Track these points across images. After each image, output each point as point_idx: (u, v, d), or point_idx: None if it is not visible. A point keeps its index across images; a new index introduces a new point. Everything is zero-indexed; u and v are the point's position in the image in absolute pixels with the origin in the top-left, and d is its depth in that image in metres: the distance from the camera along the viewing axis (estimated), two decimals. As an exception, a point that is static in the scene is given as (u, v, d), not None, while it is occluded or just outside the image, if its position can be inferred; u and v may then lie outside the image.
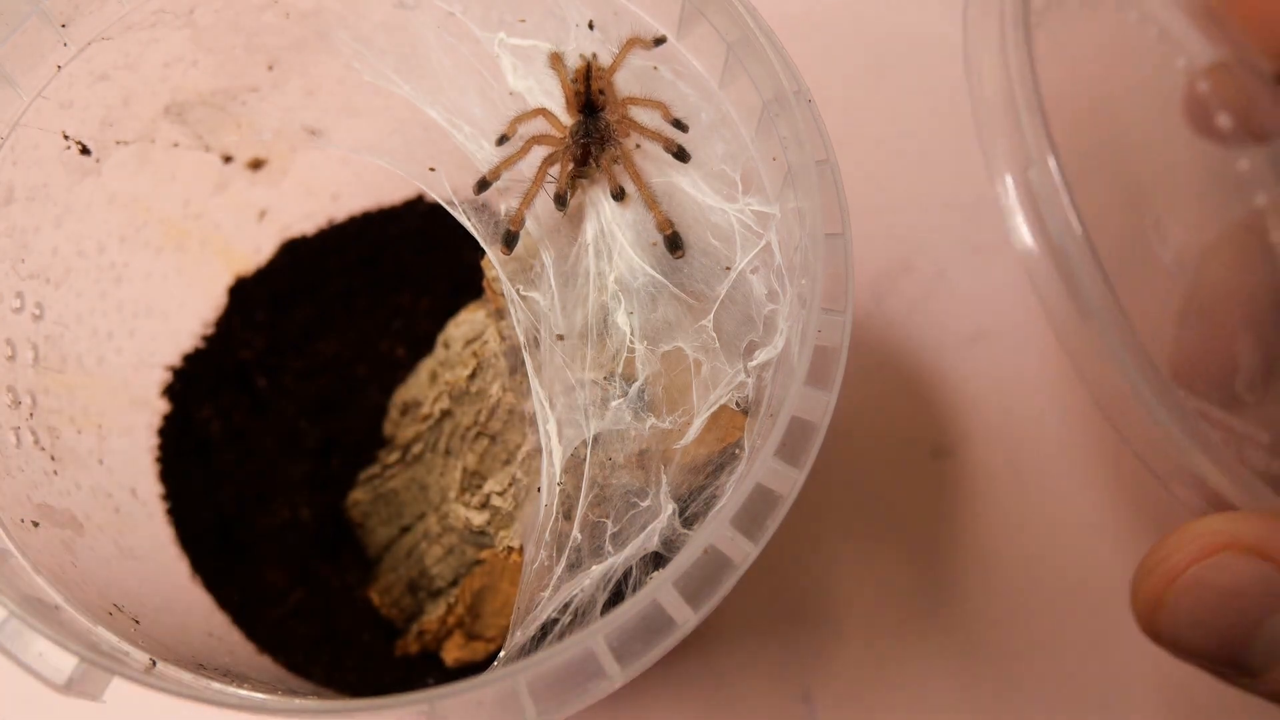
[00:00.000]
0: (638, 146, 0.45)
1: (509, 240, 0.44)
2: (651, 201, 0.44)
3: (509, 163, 0.45)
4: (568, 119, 0.46)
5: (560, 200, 0.44)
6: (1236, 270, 0.53)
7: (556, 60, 0.46)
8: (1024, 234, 0.41)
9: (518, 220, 0.44)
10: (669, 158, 0.45)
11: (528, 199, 0.44)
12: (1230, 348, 0.51)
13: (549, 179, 0.45)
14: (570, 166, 0.44)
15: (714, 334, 0.43)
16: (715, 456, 0.43)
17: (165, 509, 0.57)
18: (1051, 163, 0.40)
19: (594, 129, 0.45)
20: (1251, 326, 0.52)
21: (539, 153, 0.45)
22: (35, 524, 0.42)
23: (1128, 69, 0.55)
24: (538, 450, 0.45)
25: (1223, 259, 0.53)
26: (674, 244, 0.44)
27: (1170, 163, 0.55)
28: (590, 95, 0.45)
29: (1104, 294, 0.39)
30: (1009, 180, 0.42)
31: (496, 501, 0.51)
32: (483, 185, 0.45)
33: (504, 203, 0.46)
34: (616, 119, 0.45)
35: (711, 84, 0.45)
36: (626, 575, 0.42)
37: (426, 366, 0.57)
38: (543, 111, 0.46)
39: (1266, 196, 0.55)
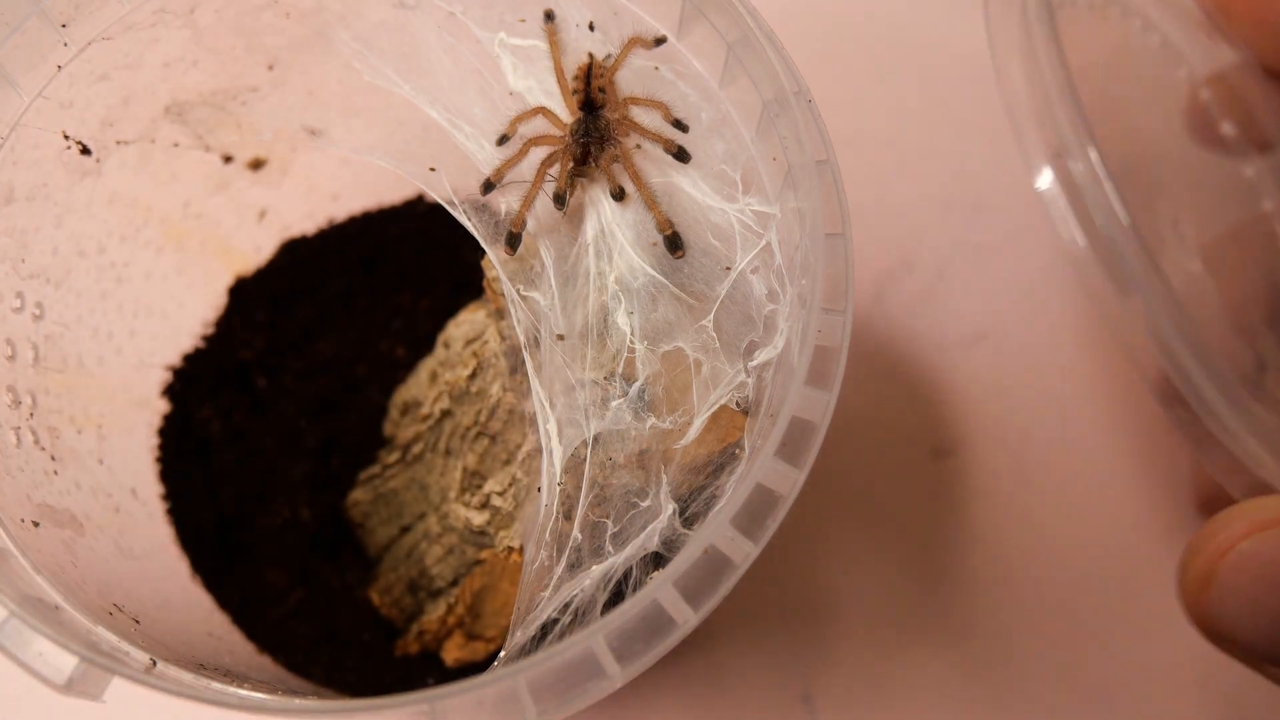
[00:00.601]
0: (638, 146, 0.45)
1: (512, 242, 0.44)
2: (651, 201, 0.44)
3: (511, 163, 0.45)
4: (567, 115, 0.46)
5: (559, 199, 0.44)
6: (1245, 272, 0.53)
7: (551, 28, 0.46)
8: (1069, 225, 0.40)
9: (519, 221, 0.44)
10: (669, 158, 0.45)
11: (528, 200, 0.44)
12: (1254, 345, 0.51)
13: (549, 178, 0.45)
14: (570, 165, 0.44)
15: (714, 334, 0.43)
16: (715, 456, 0.43)
17: (165, 509, 0.57)
18: (1092, 152, 0.39)
19: (594, 128, 0.45)
20: (1271, 324, 0.52)
21: (539, 153, 0.45)
22: (35, 524, 0.42)
23: (1131, 76, 0.55)
24: (538, 450, 0.45)
25: (1228, 262, 0.53)
26: (674, 244, 0.44)
27: (1175, 169, 0.55)
28: (590, 93, 0.45)
29: (1153, 280, 0.38)
30: (1048, 171, 0.41)
31: (496, 501, 0.51)
32: (488, 187, 0.45)
33: (504, 202, 0.46)
34: (617, 118, 0.45)
35: (712, 84, 0.45)
36: (627, 575, 0.42)
37: (426, 366, 0.56)
38: (542, 110, 0.46)
39: (1272, 203, 0.55)
